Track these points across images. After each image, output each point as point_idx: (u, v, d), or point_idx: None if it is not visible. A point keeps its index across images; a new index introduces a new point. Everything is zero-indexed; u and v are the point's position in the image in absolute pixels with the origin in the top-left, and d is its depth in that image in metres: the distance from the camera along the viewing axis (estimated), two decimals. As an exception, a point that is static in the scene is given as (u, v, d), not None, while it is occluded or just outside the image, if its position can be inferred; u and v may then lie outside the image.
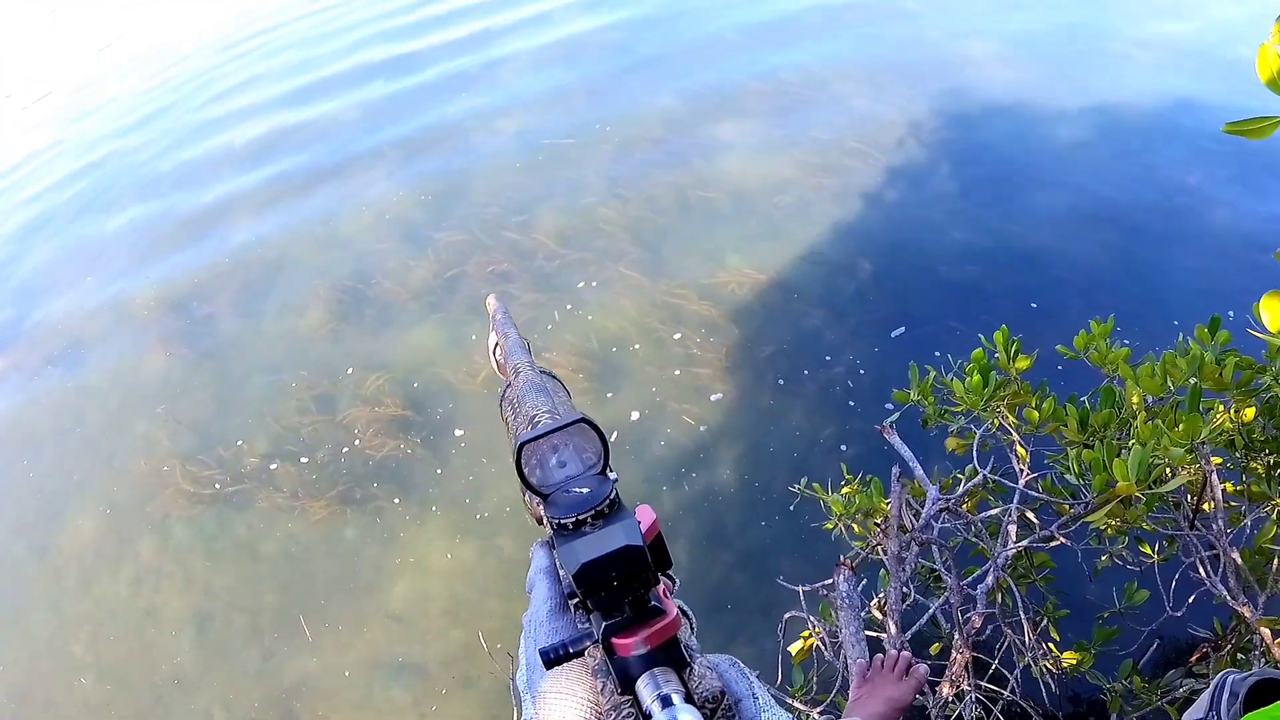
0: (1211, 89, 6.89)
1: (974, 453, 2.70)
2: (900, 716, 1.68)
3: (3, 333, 9.15)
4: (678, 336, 5.73)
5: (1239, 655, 2.54)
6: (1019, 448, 2.66)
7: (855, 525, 2.96)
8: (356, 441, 5.77)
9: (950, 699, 2.69)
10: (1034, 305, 5.24)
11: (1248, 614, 2.17)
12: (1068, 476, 2.31)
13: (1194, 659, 2.74)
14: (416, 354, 6.34)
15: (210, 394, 6.73)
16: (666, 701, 0.78)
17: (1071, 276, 5.43)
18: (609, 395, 5.47)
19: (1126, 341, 2.40)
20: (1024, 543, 2.56)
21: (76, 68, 21.15)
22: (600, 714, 0.88)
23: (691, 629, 1.05)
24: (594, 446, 0.94)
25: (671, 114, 8.56)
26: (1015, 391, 2.56)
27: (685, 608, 1.04)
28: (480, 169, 8.61)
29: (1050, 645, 2.84)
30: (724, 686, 0.91)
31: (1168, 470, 2.02)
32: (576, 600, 0.84)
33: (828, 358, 5.29)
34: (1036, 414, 2.45)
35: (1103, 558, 2.73)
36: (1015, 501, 2.61)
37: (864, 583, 2.66)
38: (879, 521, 2.81)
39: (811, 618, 2.90)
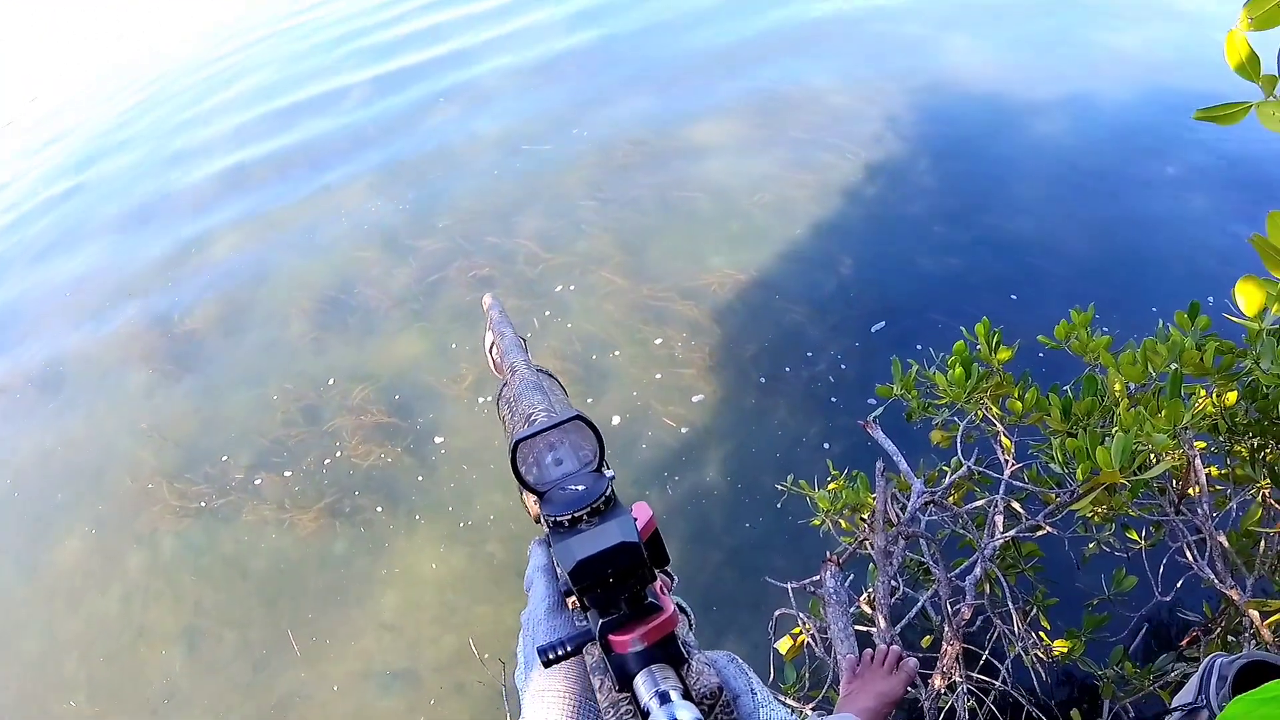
0: (1188, 76, 6.91)
1: (958, 445, 2.69)
2: (891, 710, 1.67)
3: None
4: (659, 341, 5.70)
5: (1229, 638, 2.53)
6: (1003, 439, 2.65)
7: (842, 521, 2.95)
8: (343, 452, 5.73)
9: (942, 691, 2.67)
10: (1015, 296, 5.24)
11: (1236, 596, 2.16)
12: (1052, 466, 2.30)
13: (1185, 643, 2.73)
14: (401, 361, 6.30)
15: (195, 409, 6.67)
16: (664, 698, 0.76)
17: (1052, 266, 5.43)
18: (589, 400, 5.43)
19: (1107, 330, 2.38)
20: (1011, 533, 2.55)
21: (51, 88, 21.00)
22: (580, 709, 0.86)
23: (690, 625, 1.04)
24: (590, 444, 0.93)
25: (650, 117, 8.55)
26: (998, 383, 2.55)
27: (683, 604, 1.03)
28: (460, 176, 8.58)
29: (1041, 634, 2.82)
30: (722, 682, 0.89)
31: (1152, 456, 2.01)
32: (573, 598, 0.82)
33: (809, 354, 5.27)
34: (1020, 404, 2.44)
35: (1090, 545, 2.72)
36: (1001, 492, 2.60)
37: (851, 578, 2.64)
38: (865, 517, 2.79)
39: (801, 614, 2.88)
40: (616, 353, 5.73)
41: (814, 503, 2.96)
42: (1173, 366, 1.99)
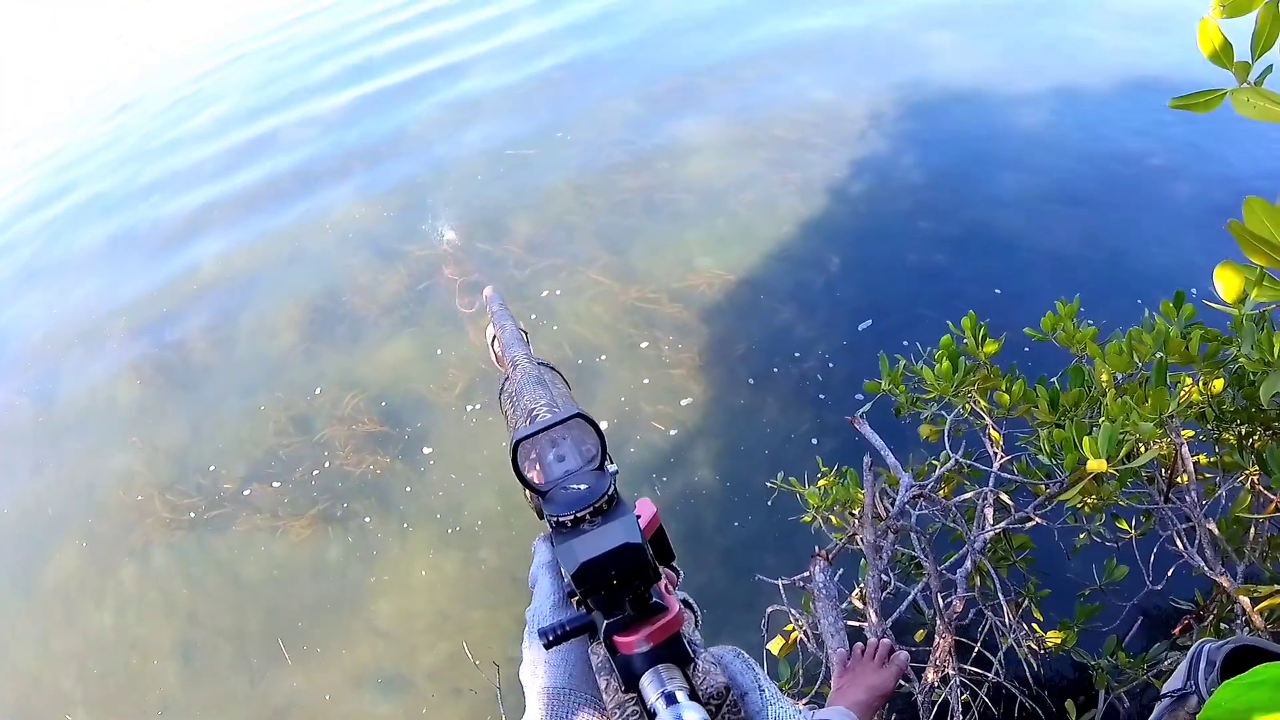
0: (1167, 64, 6.92)
1: (946, 438, 2.68)
2: (883, 703, 1.66)
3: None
4: (645, 344, 5.69)
5: (1221, 625, 2.53)
6: (992, 431, 2.64)
7: (833, 517, 2.94)
8: (335, 461, 5.70)
9: (935, 684, 2.67)
10: (1001, 290, 5.23)
11: (1226, 583, 2.15)
12: (1041, 457, 2.29)
13: (1177, 631, 2.73)
14: (391, 369, 6.27)
15: (185, 420, 6.64)
16: (670, 699, 0.75)
17: (1038, 258, 5.44)
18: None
19: (1094, 320, 2.38)
20: (1001, 525, 2.54)
21: (36, 92, 20.94)
22: (583, 706, 0.85)
23: (696, 622, 1.03)
24: (592, 440, 0.91)
25: (634, 120, 8.55)
26: (985, 376, 2.54)
27: (690, 600, 1.02)
28: (445, 181, 8.57)
29: (1033, 626, 2.82)
30: (729, 680, 0.89)
31: (1140, 446, 2.01)
32: (577, 598, 0.81)
33: (797, 354, 5.26)
34: (1007, 397, 2.43)
35: (1080, 536, 2.71)
36: (990, 484, 2.60)
37: (841, 572, 2.63)
38: (856, 512, 2.78)
39: (793, 611, 2.87)
40: (604, 356, 5.71)
41: (804, 500, 2.95)
42: (1158, 355, 1.98)
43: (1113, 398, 2.04)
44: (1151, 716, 1.52)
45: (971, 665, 2.80)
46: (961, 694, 2.64)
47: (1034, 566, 2.86)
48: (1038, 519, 2.42)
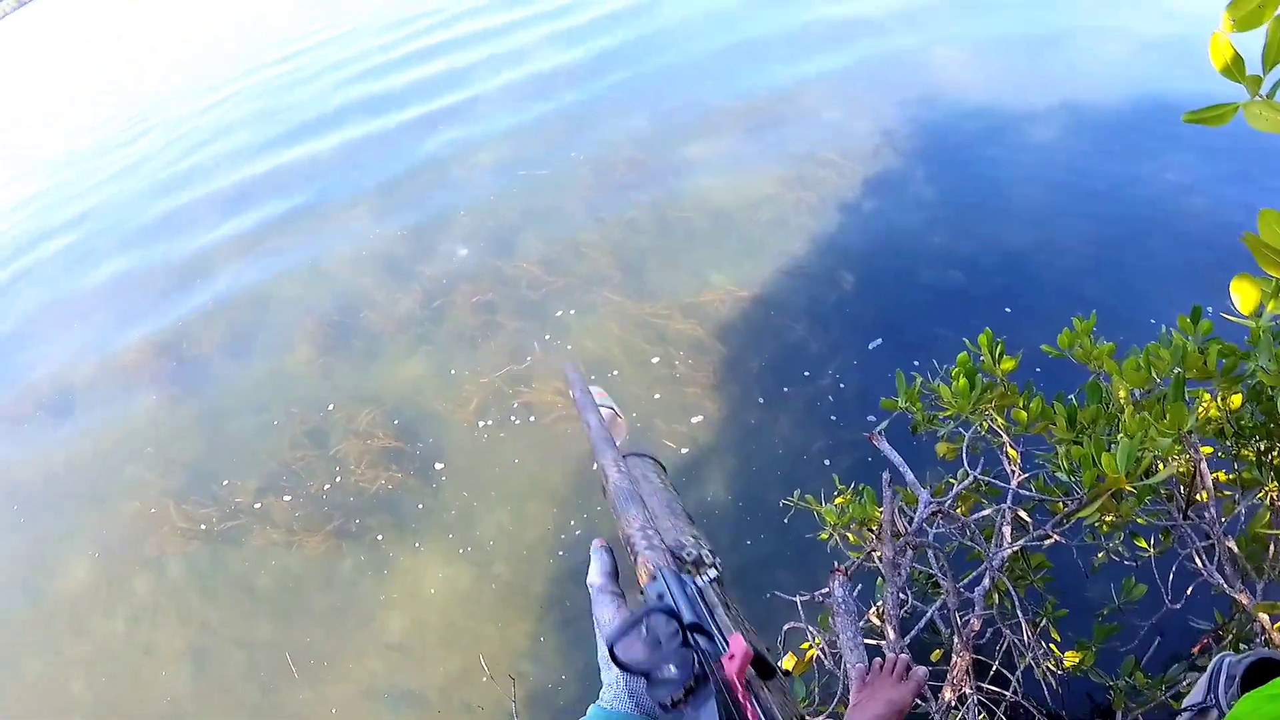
0: (1179, 77, 6.94)
1: (964, 456, 2.68)
2: (900, 719, 1.66)
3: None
4: (656, 361, 5.71)
5: (1241, 645, 2.52)
6: (1009, 449, 2.64)
7: (850, 535, 2.93)
8: (349, 475, 5.73)
9: (953, 703, 2.66)
10: (1013, 306, 5.23)
11: (1245, 601, 2.15)
12: (1059, 474, 2.29)
13: (1196, 650, 2.71)
14: (405, 386, 6.31)
15: (201, 433, 6.69)
16: None
17: (1052, 275, 5.43)
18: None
19: (1109, 338, 2.38)
20: (1019, 543, 2.53)
21: (53, 116, 21.19)
22: None
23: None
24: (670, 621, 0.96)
25: (644, 137, 8.63)
26: (1002, 393, 2.54)
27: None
28: (460, 201, 8.65)
29: (1051, 645, 2.81)
30: None
31: (1159, 463, 2.01)
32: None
33: (807, 372, 5.26)
34: (1025, 414, 2.43)
35: (1099, 554, 2.70)
36: (1008, 502, 2.59)
37: (859, 589, 2.63)
38: (873, 529, 2.78)
39: (810, 628, 2.87)
40: (616, 373, 5.72)
41: (821, 517, 2.94)
42: (1176, 371, 1.99)
43: (1130, 414, 2.04)
44: (1172, 731, 1.53)
45: (989, 684, 2.79)
46: (979, 713, 2.63)
47: (1052, 585, 2.85)
48: (1057, 537, 2.42)
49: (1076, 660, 2.71)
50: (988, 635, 2.86)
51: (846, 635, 2.13)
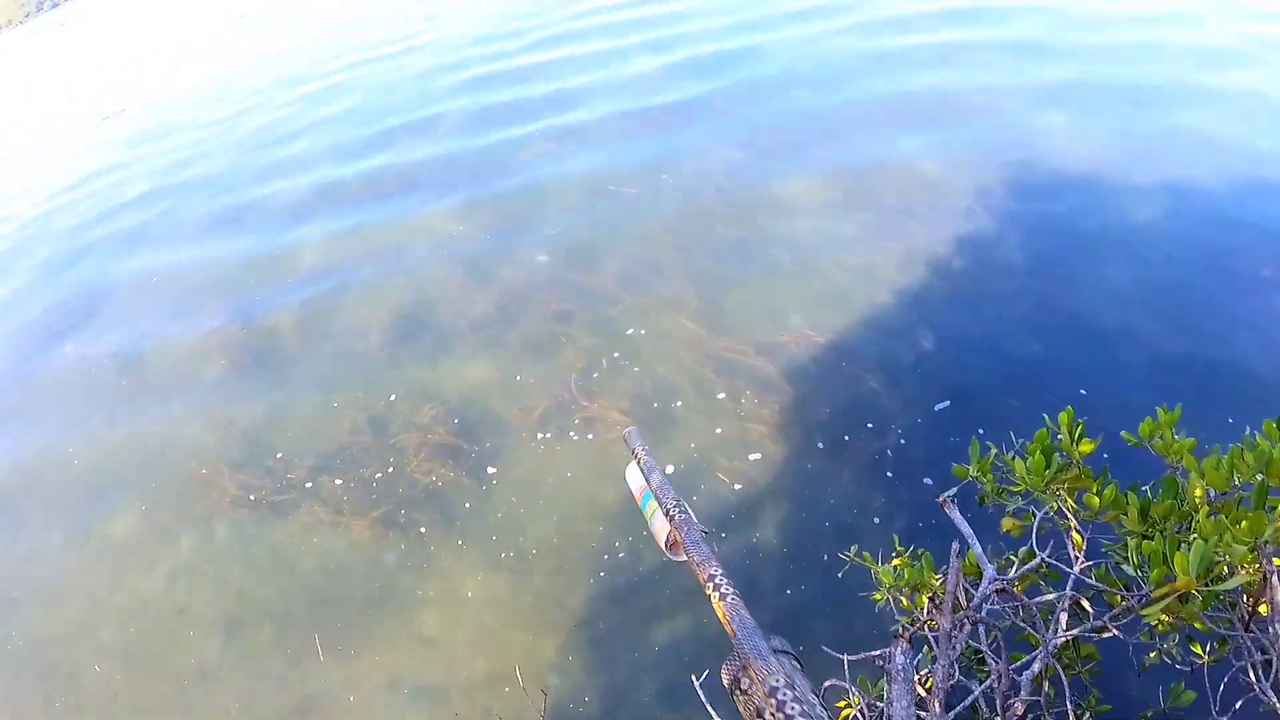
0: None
1: (1033, 535, 2.68)
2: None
3: (74, 319, 9.44)
4: (722, 395, 5.76)
5: (1286, 768, 2.49)
6: (1075, 534, 2.65)
7: (904, 599, 2.94)
8: (404, 466, 5.88)
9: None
10: (1091, 386, 5.16)
11: (1299, 725, 2.14)
12: (1124, 567, 2.29)
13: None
14: (471, 385, 6.46)
15: (264, 405, 6.90)
16: None
17: (1134, 359, 5.35)
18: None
19: (1187, 433, 2.38)
20: (1075, 631, 2.54)
21: (162, 84, 21.96)
22: None
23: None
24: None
25: (739, 169, 8.70)
26: (1076, 475, 2.55)
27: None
28: (547, 210, 8.83)
29: (1092, 739, 2.79)
30: None
31: (1227, 568, 2.01)
32: None
33: (870, 425, 5.26)
34: (1097, 500, 2.44)
35: (1151, 654, 2.69)
36: (1068, 588, 2.59)
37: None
38: (931, 596, 2.79)
39: (852, 688, 2.88)
40: (680, 402, 5.79)
41: (877, 577, 2.96)
42: (1259, 477, 1.99)
43: (1206, 514, 2.05)
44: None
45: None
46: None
47: (1098, 678, 2.84)
48: (1115, 630, 2.42)
49: (1116, 759, 2.70)
50: (1028, 721, 2.85)
51: (901, 704, 2.15)
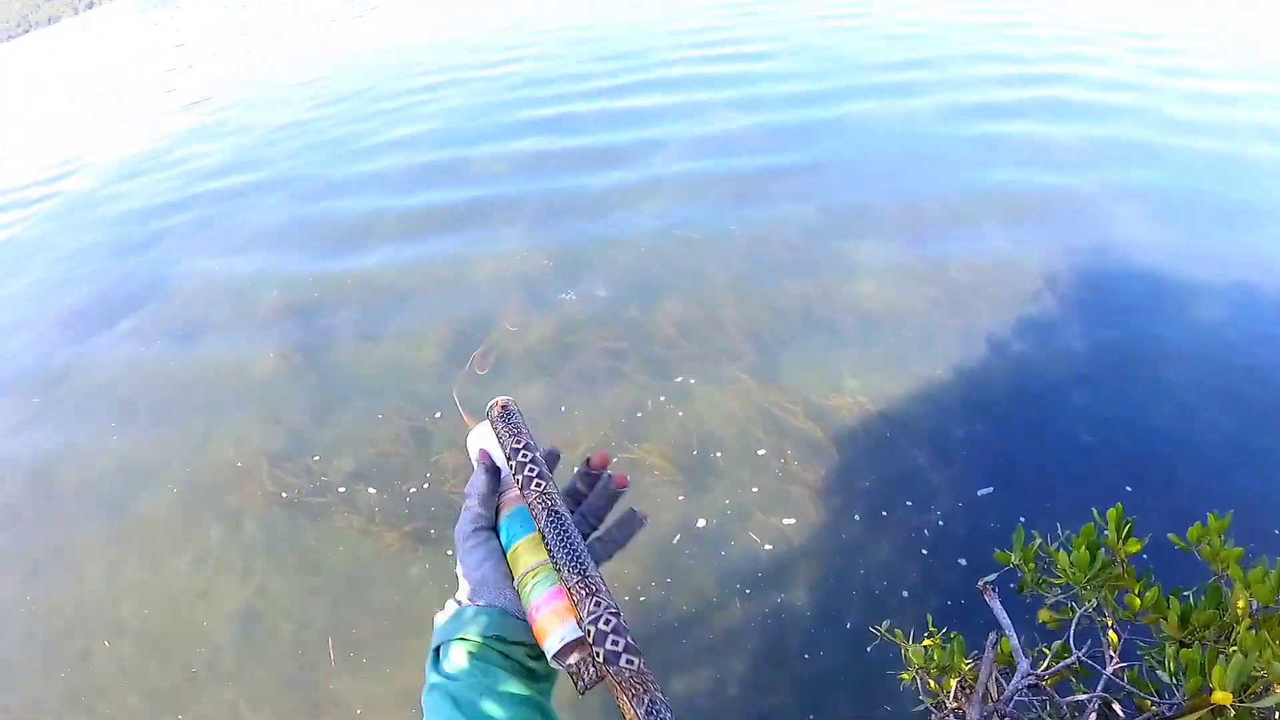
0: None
1: (1070, 630, 2.67)
2: None
3: (132, 295, 9.74)
4: (762, 451, 5.79)
5: None
6: (1112, 633, 2.64)
7: (931, 680, 2.94)
8: (440, 484, 5.98)
9: None
10: (1140, 483, 5.10)
11: None
12: (1160, 672, 2.29)
13: None
14: (520, 409, 6.46)
15: (311, 403, 7.06)
16: None
17: (1186, 461, 5.29)
18: (680, 497, 5.53)
19: (1238, 542, 2.38)
20: (1103, 733, 2.53)
21: (246, 83, 22.69)
22: None
23: None
24: None
25: (807, 224, 8.80)
26: (1119, 574, 2.55)
27: None
28: (613, 244, 8.99)
29: None
30: None
31: (1265, 685, 2.01)
32: None
33: (910, 502, 5.25)
34: (1138, 601, 2.44)
35: (1179, 768, 2.67)
36: (1099, 688, 2.59)
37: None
38: (960, 681, 2.79)
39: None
40: (720, 453, 5.83)
41: (906, 657, 2.96)
42: (1305, 596, 2.00)
43: (1247, 627, 2.05)
44: None
45: None
46: None
47: (1117, 787, 2.82)
48: (1143, 736, 2.41)
49: None
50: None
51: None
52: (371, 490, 6.00)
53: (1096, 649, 2.71)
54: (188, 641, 5.24)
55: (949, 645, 2.85)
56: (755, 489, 5.53)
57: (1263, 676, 1.95)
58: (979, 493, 5.25)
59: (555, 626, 1.01)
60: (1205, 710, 2.08)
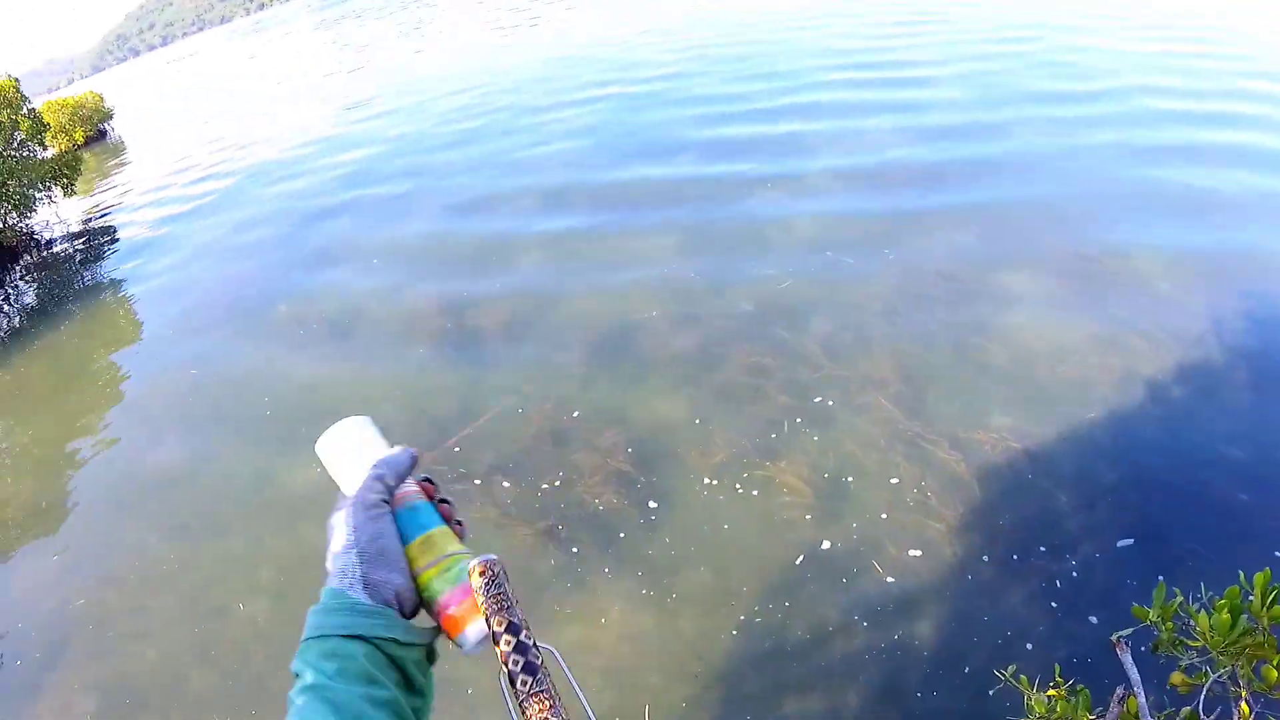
0: None
1: (1201, 697, 2.63)
2: None
3: (290, 285, 10.38)
4: (895, 480, 5.77)
5: None
6: (1244, 704, 2.60)
7: (1053, 731, 2.92)
8: (574, 484, 6.26)
9: None
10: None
11: None
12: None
13: None
14: (655, 419, 6.78)
15: (457, 395, 7.53)
16: None
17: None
18: (809, 516, 5.59)
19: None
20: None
21: (425, 78, 23.66)
22: None
23: None
24: None
25: (965, 255, 8.68)
26: (1259, 643, 2.51)
27: None
28: (762, 261, 9.12)
29: None
30: None
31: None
32: None
33: (1043, 548, 5.11)
34: (1275, 674, 2.40)
35: None
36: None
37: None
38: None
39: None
40: (852, 479, 5.85)
41: (1029, 703, 2.94)
42: None
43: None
44: None
45: None
46: None
47: None
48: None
49: None
50: None
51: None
52: (505, 484, 6.30)
53: (1226, 718, 2.67)
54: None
55: (1075, 698, 2.83)
56: (884, 516, 5.52)
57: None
58: (1119, 544, 5.09)
59: (473, 618, 1.00)
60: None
